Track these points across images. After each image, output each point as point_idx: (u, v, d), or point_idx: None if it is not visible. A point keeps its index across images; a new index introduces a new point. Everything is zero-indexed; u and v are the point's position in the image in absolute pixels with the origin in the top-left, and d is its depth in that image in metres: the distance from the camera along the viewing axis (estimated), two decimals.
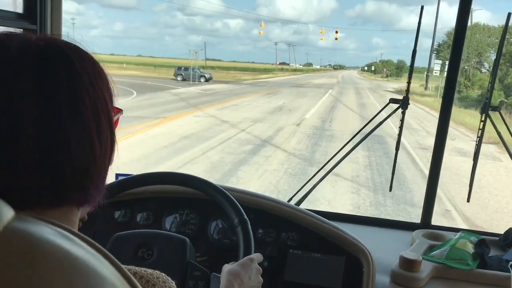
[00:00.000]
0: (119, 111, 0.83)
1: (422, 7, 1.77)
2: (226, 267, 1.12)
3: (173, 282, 0.77)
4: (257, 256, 1.18)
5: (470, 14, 1.71)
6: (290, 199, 1.93)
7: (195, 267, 1.25)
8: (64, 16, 1.61)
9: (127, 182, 1.43)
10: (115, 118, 0.80)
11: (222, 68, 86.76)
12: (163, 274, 0.77)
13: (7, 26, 1.35)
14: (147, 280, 0.72)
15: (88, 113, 0.61)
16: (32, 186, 0.56)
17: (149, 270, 0.76)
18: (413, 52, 1.82)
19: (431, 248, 1.68)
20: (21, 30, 1.44)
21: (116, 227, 1.58)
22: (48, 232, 0.43)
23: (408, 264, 1.51)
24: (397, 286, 1.50)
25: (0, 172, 0.54)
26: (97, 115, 0.63)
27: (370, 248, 1.52)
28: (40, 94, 0.57)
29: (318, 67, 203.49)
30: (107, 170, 0.67)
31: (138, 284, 0.47)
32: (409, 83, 1.83)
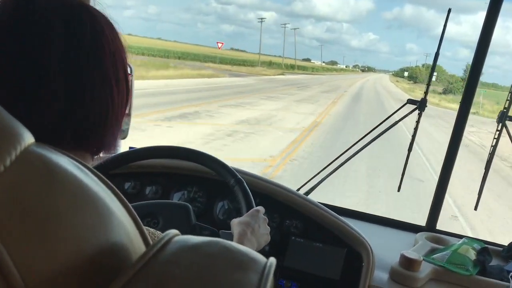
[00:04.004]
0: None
1: (449, 10, 1.76)
2: (236, 220, 1.19)
3: None
4: (261, 208, 1.26)
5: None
6: (299, 188, 1.94)
7: (203, 228, 1.29)
8: None
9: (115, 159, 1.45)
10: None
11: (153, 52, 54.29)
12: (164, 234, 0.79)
13: None
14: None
15: (108, 61, 0.65)
16: (55, 126, 0.60)
17: (152, 230, 0.78)
18: (435, 54, 1.81)
19: (433, 251, 1.69)
20: None
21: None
22: (65, 162, 0.44)
23: (408, 263, 1.52)
24: (395, 283, 1.51)
25: (26, 111, 0.57)
26: (115, 64, 0.66)
27: (373, 245, 1.53)
28: (68, 39, 0.60)
29: (343, 66, 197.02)
30: (123, 118, 0.71)
31: (143, 226, 0.49)
32: (428, 85, 1.83)
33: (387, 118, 1.91)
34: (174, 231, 0.45)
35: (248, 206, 1.29)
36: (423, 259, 1.57)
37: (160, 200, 1.62)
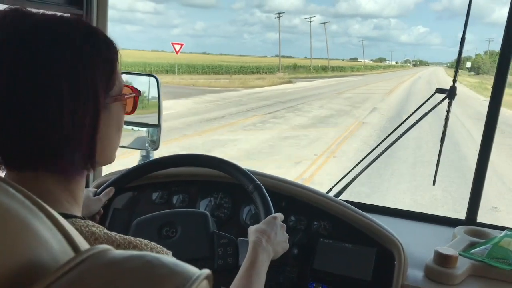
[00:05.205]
0: (135, 91, 0.87)
1: None
2: (252, 228, 1.20)
3: (170, 252, 0.79)
4: (279, 215, 1.25)
5: None
6: (329, 190, 1.90)
7: (221, 236, 1.28)
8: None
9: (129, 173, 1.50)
10: (128, 97, 0.83)
11: None
12: (159, 246, 0.78)
13: (55, 11, 1.43)
14: (135, 246, 0.74)
15: (62, 88, 0.66)
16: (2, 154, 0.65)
17: (145, 241, 0.78)
18: (461, 39, 1.73)
19: (472, 245, 1.60)
20: (69, 15, 1.53)
21: (153, 208, 1.65)
22: None
23: (443, 259, 1.44)
24: (431, 281, 1.44)
25: None
26: (76, 90, 0.67)
27: (407, 242, 1.47)
28: (13, 64, 0.62)
29: (393, 63, 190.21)
30: (87, 142, 0.71)
31: (80, 241, 0.47)
32: (456, 71, 1.75)
33: (416, 110, 1.84)
34: (103, 246, 0.42)
35: (266, 212, 1.28)
36: (461, 255, 1.50)
37: (187, 208, 1.63)
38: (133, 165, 1.55)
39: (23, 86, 0.63)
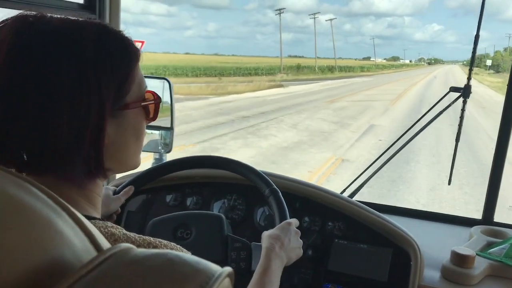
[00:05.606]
0: (156, 97, 0.86)
1: None
2: (266, 233, 1.17)
3: (189, 253, 0.79)
4: (294, 220, 1.23)
5: None
6: (343, 191, 1.89)
7: (235, 239, 1.27)
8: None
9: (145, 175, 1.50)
10: (145, 104, 0.82)
11: None
12: (178, 246, 0.78)
13: (69, 16, 1.48)
14: (155, 246, 0.74)
15: (61, 92, 0.66)
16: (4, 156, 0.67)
17: (164, 241, 0.77)
18: (475, 36, 1.71)
19: (490, 245, 1.58)
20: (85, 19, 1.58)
21: (167, 210, 1.65)
22: (2, 181, 0.43)
23: (460, 260, 1.43)
24: (448, 282, 1.43)
25: None
26: (73, 96, 0.67)
27: (423, 243, 1.46)
28: (10, 63, 0.64)
29: (407, 61, 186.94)
30: (90, 150, 0.71)
31: (102, 241, 0.47)
32: (471, 69, 1.73)
33: (429, 110, 1.82)
34: (125, 245, 0.42)
35: (281, 217, 1.27)
36: (478, 255, 1.48)
37: (200, 210, 1.64)
38: (148, 167, 1.56)
39: (29, 89, 0.64)
